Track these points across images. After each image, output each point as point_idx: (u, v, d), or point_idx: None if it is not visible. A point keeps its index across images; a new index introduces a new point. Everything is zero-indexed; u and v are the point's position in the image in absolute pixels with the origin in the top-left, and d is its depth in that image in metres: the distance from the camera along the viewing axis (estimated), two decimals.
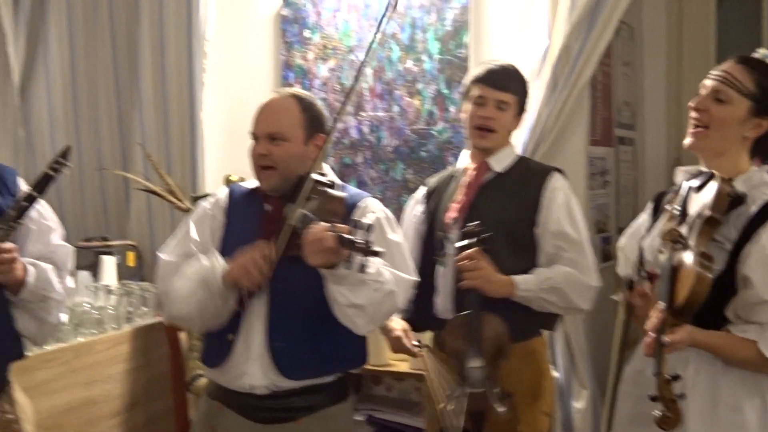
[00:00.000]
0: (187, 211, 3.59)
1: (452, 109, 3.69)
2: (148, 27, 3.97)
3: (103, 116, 4.16)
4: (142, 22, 3.98)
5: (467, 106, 2.75)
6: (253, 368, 2.28)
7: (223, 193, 2.49)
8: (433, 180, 2.95)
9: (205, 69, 3.95)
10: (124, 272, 3.80)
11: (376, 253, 2.03)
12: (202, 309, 2.27)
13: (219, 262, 2.27)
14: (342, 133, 3.90)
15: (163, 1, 3.94)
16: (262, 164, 2.33)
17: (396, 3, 2.51)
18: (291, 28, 3.97)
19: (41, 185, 2.22)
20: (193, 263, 2.32)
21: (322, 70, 3.92)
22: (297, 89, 2.48)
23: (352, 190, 2.47)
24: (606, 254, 3.73)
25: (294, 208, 2.20)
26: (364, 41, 3.82)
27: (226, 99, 4.06)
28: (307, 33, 3.94)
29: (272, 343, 2.27)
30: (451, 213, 2.73)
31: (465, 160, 2.84)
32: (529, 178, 2.72)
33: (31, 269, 2.25)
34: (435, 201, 2.85)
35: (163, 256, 2.42)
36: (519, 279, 2.61)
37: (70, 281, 2.41)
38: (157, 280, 2.45)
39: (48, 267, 2.31)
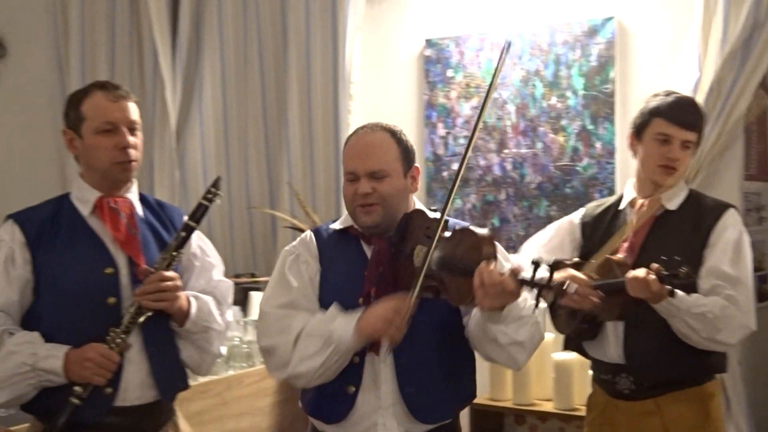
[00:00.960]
0: None
1: (598, 145, 3.65)
2: (296, 72, 4.11)
3: (253, 158, 4.31)
4: (290, 67, 4.13)
5: (649, 143, 2.61)
6: (385, 418, 2.19)
7: (308, 236, 2.35)
8: (594, 210, 2.81)
9: (350, 110, 4.05)
10: None
11: (564, 292, 1.98)
12: (326, 367, 2.15)
13: (345, 318, 2.14)
14: (485, 170, 3.91)
15: (310, 46, 4.07)
16: (366, 202, 2.21)
17: (509, 45, 2.42)
18: (434, 68, 4.03)
19: (197, 215, 2.33)
20: (303, 317, 2.20)
21: (465, 109, 3.95)
22: (382, 122, 2.42)
23: (451, 219, 2.36)
24: (762, 294, 3.57)
25: (429, 251, 2.10)
26: (507, 79, 3.84)
27: None
28: (450, 72, 3.99)
29: (403, 389, 2.19)
30: (621, 254, 2.61)
31: (630, 193, 2.71)
32: (701, 215, 2.58)
33: (193, 301, 2.35)
34: (596, 235, 2.72)
35: (266, 308, 2.27)
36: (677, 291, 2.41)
37: (229, 315, 2.50)
38: (259, 334, 2.30)
39: (209, 299, 2.41)
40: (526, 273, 1.98)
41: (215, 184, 2.34)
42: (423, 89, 4.07)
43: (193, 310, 2.33)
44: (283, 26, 4.17)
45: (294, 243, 2.36)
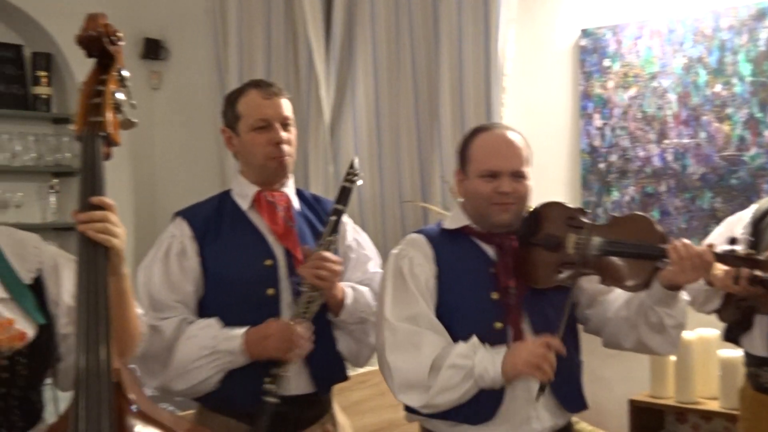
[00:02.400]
0: None
1: (766, 133, 3.46)
2: (448, 65, 4.09)
3: (405, 151, 4.33)
4: (442, 60, 4.11)
5: None
6: (538, 410, 2.14)
7: (419, 238, 2.29)
8: (766, 204, 2.68)
9: (503, 103, 3.99)
10: None
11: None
12: (465, 398, 2.09)
13: (488, 354, 2.07)
14: (644, 161, 3.78)
15: (462, 38, 4.04)
16: (505, 201, 2.18)
17: None
18: (590, 58, 3.92)
19: (342, 198, 2.35)
20: (432, 339, 2.12)
21: (623, 99, 3.82)
22: (501, 123, 2.36)
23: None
24: None
25: (587, 238, 2.13)
26: (668, 67, 3.69)
27: (524, 131, 4.06)
28: (606, 62, 3.87)
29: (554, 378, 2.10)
30: None
31: None
32: None
33: (348, 291, 2.37)
34: (765, 229, 2.59)
35: (393, 320, 2.17)
36: None
37: None
38: (387, 347, 2.17)
39: (365, 290, 2.42)
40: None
41: (351, 165, 2.38)
42: (578, 80, 3.97)
43: (349, 300, 2.35)
44: (435, 20, 4.16)
45: (402, 246, 2.30)
